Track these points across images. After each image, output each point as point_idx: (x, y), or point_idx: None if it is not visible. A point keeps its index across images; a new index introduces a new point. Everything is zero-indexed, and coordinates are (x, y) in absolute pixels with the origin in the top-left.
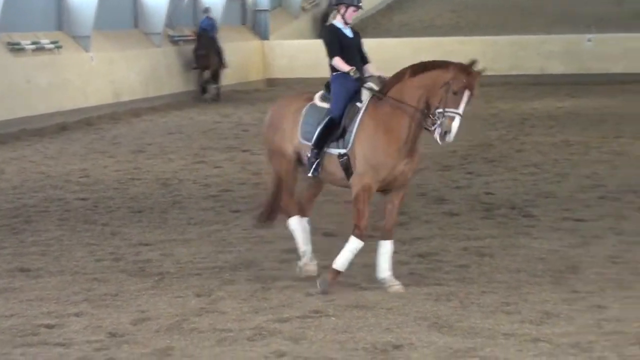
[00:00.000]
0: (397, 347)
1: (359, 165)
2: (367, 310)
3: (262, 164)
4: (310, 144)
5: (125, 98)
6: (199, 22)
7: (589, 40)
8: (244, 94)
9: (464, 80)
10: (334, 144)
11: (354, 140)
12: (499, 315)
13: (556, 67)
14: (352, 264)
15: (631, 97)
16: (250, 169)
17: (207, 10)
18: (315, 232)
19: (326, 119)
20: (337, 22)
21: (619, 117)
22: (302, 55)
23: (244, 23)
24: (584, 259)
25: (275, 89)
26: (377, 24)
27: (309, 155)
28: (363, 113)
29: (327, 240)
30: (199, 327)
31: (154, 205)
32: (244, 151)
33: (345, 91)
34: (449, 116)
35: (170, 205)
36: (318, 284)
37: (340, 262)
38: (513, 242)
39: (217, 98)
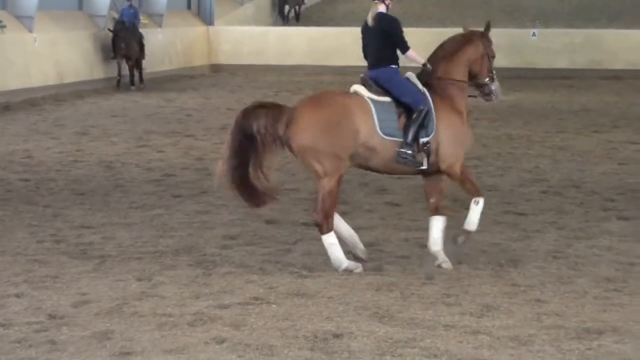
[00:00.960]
0: (337, 336)
1: (447, 148)
2: (308, 298)
3: (205, 149)
4: (395, 139)
5: (69, 80)
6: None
7: (534, 34)
8: (189, 79)
9: (491, 44)
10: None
11: (437, 126)
12: (440, 306)
13: (500, 61)
14: (292, 252)
15: (574, 92)
16: (193, 154)
17: None
18: (257, 219)
19: (424, 111)
20: (384, 11)
21: (562, 112)
22: (247, 41)
23: (189, 8)
24: (525, 252)
25: (220, 74)
26: (322, 12)
27: (405, 151)
28: (432, 99)
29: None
30: (139, 311)
31: (96, 188)
32: (187, 136)
33: (408, 81)
34: (494, 78)
35: (112, 189)
36: (455, 244)
37: (473, 222)
38: (454, 234)
39: (141, 85)
